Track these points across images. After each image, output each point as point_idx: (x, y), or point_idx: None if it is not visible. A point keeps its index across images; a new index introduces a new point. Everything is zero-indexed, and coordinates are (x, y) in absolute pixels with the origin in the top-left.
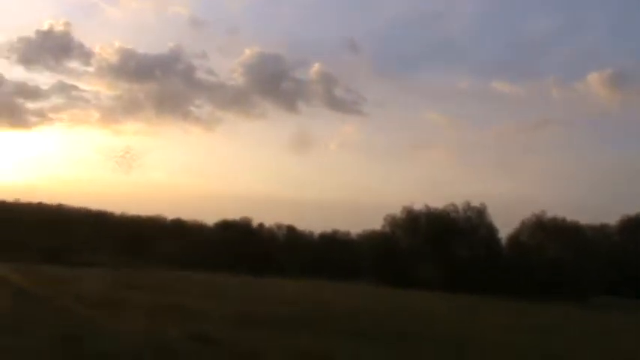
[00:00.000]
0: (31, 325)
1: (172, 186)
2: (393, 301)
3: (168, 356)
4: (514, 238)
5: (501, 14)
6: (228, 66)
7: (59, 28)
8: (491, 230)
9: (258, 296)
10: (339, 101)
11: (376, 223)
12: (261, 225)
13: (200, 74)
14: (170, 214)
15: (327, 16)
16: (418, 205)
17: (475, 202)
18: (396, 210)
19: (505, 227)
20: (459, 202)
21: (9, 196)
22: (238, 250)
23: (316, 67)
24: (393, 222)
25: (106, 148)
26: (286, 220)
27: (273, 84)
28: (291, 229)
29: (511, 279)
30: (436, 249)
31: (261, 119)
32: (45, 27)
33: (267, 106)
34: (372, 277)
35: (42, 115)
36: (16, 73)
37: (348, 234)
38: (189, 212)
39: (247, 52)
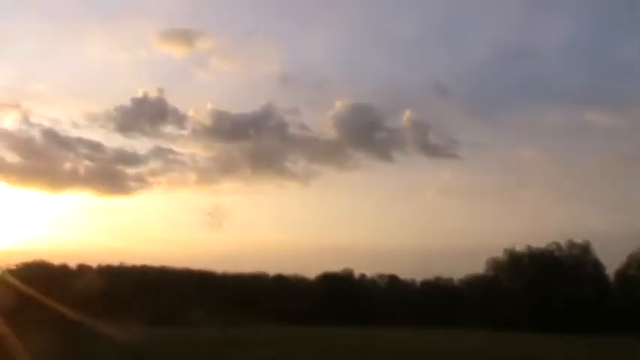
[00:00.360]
0: None
1: (272, 242)
2: (506, 347)
3: None
4: (622, 273)
5: (592, 41)
6: (320, 119)
7: (153, 94)
8: (597, 266)
9: (369, 349)
10: (433, 147)
11: (479, 267)
12: (362, 275)
13: (293, 129)
14: (271, 270)
15: (414, 62)
16: (520, 246)
17: (578, 239)
18: (498, 252)
19: (612, 263)
20: (562, 239)
21: (114, 260)
22: (341, 301)
23: (407, 114)
24: (495, 265)
25: (204, 209)
26: (388, 270)
27: (366, 134)
28: (393, 278)
29: (621, 316)
30: (542, 289)
31: (356, 170)
32: (139, 94)
33: (361, 157)
34: (476, 322)
35: (141, 180)
36: (115, 140)
37: (450, 280)
38: (290, 267)
39: (338, 104)
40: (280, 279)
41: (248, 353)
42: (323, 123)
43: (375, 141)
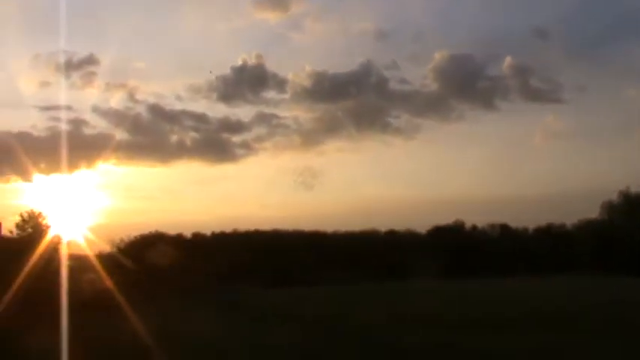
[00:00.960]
0: None
1: (381, 198)
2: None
3: None
4: None
5: None
6: (420, 73)
7: (252, 61)
8: None
9: (483, 299)
10: (537, 92)
11: (592, 212)
12: (474, 227)
13: (393, 85)
14: (382, 227)
15: (511, 7)
16: (635, 188)
17: None
18: (612, 196)
19: None
20: None
21: (227, 226)
22: (453, 254)
23: (508, 60)
24: (610, 208)
25: (310, 170)
26: (499, 219)
27: (468, 84)
28: (504, 227)
29: None
30: None
31: (460, 121)
32: (239, 62)
33: (464, 108)
34: (591, 267)
35: (247, 147)
36: (218, 110)
37: (563, 226)
38: (400, 222)
39: (437, 56)
40: (392, 235)
41: (374, 309)
42: (423, 76)
43: (477, 90)
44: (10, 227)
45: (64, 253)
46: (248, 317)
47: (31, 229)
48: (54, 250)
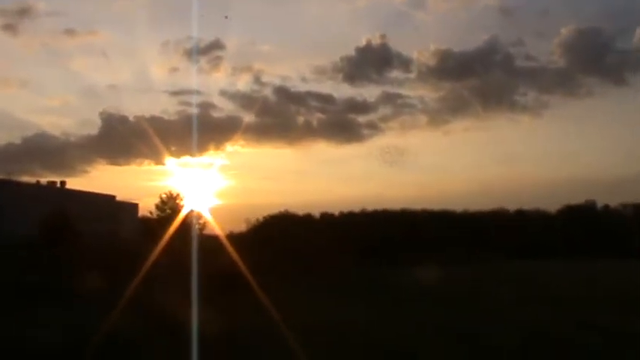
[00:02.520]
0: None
1: (510, 177)
2: None
3: (563, 346)
4: None
5: None
6: (547, 48)
7: (376, 41)
8: None
9: (624, 279)
10: None
11: None
12: (606, 206)
13: (519, 62)
14: (511, 206)
15: None
16: None
17: None
18: None
19: None
20: None
21: (355, 206)
22: (586, 233)
23: (638, 33)
24: None
25: (436, 149)
26: (633, 199)
27: (596, 59)
28: (638, 207)
29: None
30: None
31: (589, 97)
32: (363, 43)
33: (593, 83)
34: None
35: (373, 127)
36: (344, 91)
37: None
38: (530, 202)
39: (563, 31)
40: (521, 214)
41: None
42: (550, 52)
43: (606, 65)
44: (147, 208)
45: (200, 232)
46: (390, 298)
47: (170, 210)
48: (192, 229)
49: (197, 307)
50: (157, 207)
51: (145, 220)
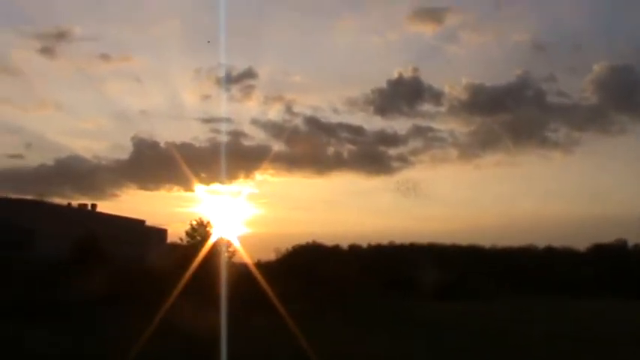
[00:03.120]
0: None
1: (539, 213)
2: None
3: None
4: None
5: None
6: (579, 85)
7: (408, 74)
8: None
9: None
10: None
11: None
12: (637, 245)
13: (551, 98)
14: (540, 243)
15: None
16: None
17: None
18: None
19: None
20: None
21: (383, 239)
22: (614, 273)
23: None
24: None
25: (466, 184)
26: None
27: (629, 96)
28: None
29: None
30: None
31: (621, 135)
32: (394, 75)
33: (626, 121)
34: None
35: (403, 160)
36: (375, 123)
37: None
38: (559, 239)
39: (596, 68)
40: (550, 251)
41: (543, 326)
42: (582, 89)
43: (638, 102)
44: (176, 233)
45: (230, 260)
46: (423, 330)
47: (200, 237)
48: (222, 257)
49: (226, 330)
50: (187, 234)
51: (175, 247)
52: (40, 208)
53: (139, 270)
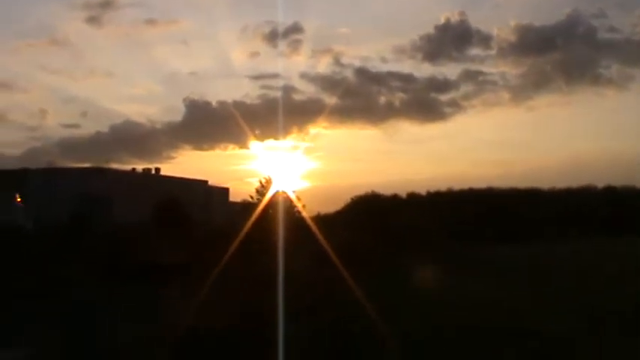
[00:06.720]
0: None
1: (597, 153)
2: None
3: None
4: None
5: None
6: (630, 20)
7: (455, 19)
8: None
9: None
10: None
11: None
12: None
13: (602, 34)
14: (600, 182)
15: None
16: None
17: None
18: None
19: None
20: None
21: (442, 185)
22: None
23: None
24: None
25: (519, 127)
26: None
27: None
28: None
29: None
30: None
31: None
32: (442, 21)
33: None
34: None
35: (455, 105)
36: (424, 69)
37: None
38: (619, 178)
39: None
40: (610, 190)
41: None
42: (634, 23)
43: None
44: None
45: (298, 214)
46: (494, 273)
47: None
48: (293, 211)
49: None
50: (257, 191)
51: (246, 205)
52: (107, 175)
53: (227, 229)
